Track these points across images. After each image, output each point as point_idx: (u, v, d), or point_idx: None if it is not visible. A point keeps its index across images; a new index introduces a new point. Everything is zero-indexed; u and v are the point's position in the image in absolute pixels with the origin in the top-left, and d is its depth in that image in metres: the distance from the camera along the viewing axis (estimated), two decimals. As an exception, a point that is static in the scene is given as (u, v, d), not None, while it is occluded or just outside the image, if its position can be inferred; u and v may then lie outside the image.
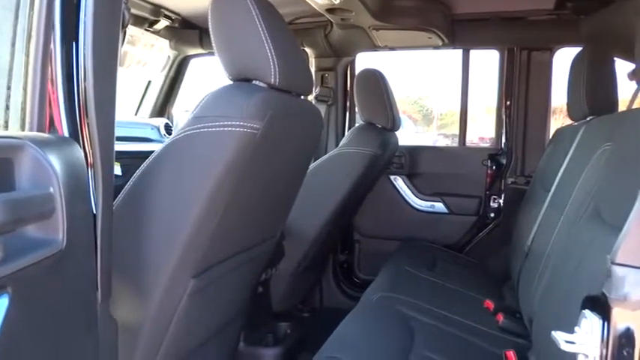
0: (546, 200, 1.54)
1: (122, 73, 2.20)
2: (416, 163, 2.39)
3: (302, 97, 1.27)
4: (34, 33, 0.66)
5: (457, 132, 2.42)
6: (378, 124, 2.00)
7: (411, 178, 2.39)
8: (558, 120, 2.53)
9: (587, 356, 0.64)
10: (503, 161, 2.31)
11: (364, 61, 2.47)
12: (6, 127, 0.67)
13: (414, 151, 2.40)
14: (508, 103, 2.28)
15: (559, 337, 0.67)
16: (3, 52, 0.67)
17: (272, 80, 1.06)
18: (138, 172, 1.02)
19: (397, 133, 2.18)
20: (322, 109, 2.38)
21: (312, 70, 2.40)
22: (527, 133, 2.26)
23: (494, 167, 2.32)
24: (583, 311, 0.66)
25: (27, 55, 0.67)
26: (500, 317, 1.43)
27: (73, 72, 0.74)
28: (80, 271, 0.68)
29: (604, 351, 0.62)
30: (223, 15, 1.07)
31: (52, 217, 0.57)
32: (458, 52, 2.32)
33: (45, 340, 0.61)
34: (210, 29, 1.09)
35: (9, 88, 0.67)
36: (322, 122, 1.38)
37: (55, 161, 0.60)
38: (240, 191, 1.04)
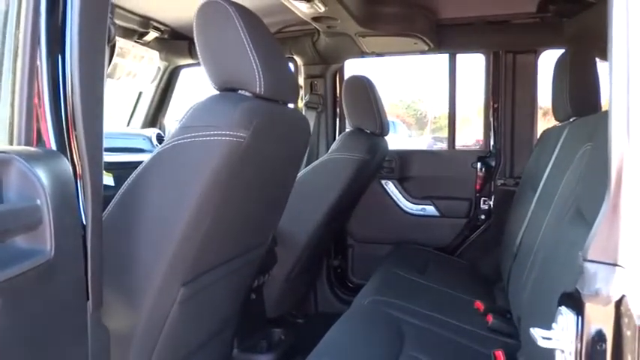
0: (533, 201, 1.57)
1: (113, 85, 2.23)
2: (406, 167, 2.41)
3: (289, 105, 1.29)
4: (20, 51, 0.68)
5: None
6: (366, 129, 2.03)
7: (401, 182, 2.41)
8: (551, 121, 2.57)
9: (563, 352, 0.66)
10: (493, 163, 2.33)
11: (355, 67, 2.50)
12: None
13: (405, 156, 2.43)
14: (495, 105, 2.31)
15: (536, 333, 0.69)
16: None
17: (257, 89, 1.08)
18: (127, 182, 1.03)
19: (390, 137, 2.21)
20: (312, 115, 2.41)
21: (302, 77, 2.42)
22: (515, 134, 2.29)
23: (483, 169, 2.34)
24: (559, 308, 0.68)
25: (14, 73, 0.69)
26: (490, 318, 1.45)
27: (60, 87, 0.76)
28: (70, 281, 0.70)
29: (578, 346, 0.64)
30: (207, 26, 1.09)
31: (40, 228, 0.59)
32: (446, 56, 2.36)
33: (35, 349, 0.63)
34: (196, 40, 1.12)
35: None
36: (309, 129, 1.40)
37: (41, 174, 0.62)
38: (228, 199, 1.06)
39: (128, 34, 2.16)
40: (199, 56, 1.12)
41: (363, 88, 2.00)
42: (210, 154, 0.99)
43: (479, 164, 2.34)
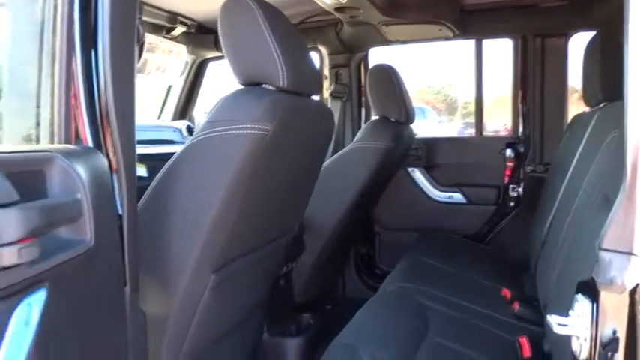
0: (562, 187, 1.56)
1: (143, 80, 2.30)
2: (433, 154, 2.41)
3: (312, 97, 1.32)
4: (57, 56, 0.73)
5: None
6: (391, 117, 2.03)
7: (428, 169, 2.41)
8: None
9: (578, 338, 0.67)
10: (522, 150, 2.31)
11: (382, 54, 2.49)
12: (37, 141, 0.74)
13: (431, 143, 2.43)
14: (524, 91, 2.28)
15: (553, 320, 0.70)
16: (32, 76, 0.74)
17: (280, 83, 1.11)
18: (159, 174, 1.09)
19: (419, 124, 2.21)
20: (338, 105, 2.43)
21: (327, 67, 2.44)
22: (544, 120, 2.26)
23: (512, 156, 2.32)
24: (576, 295, 0.70)
25: (52, 77, 0.74)
26: (516, 305, 1.46)
27: (94, 88, 0.81)
28: (109, 267, 0.75)
29: (593, 333, 0.65)
30: (231, 21, 1.13)
31: (81, 219, 0.64)
32: (472, 41, 2.33)
33: (79, 330, 0.68)
34: (220, 36, 1.15)
35: (38, 106, 0.74)
36: (333, 120, 1.42)
37: (81, 170, 0.67)
38: (254, 190, 1.10)
39: (157, 29, 2.22)
40: (223, 51, 1.16)
41: (387, 76, 2.00)
42: (236, 147, 1.03)
43: (508, 151, 2.31)
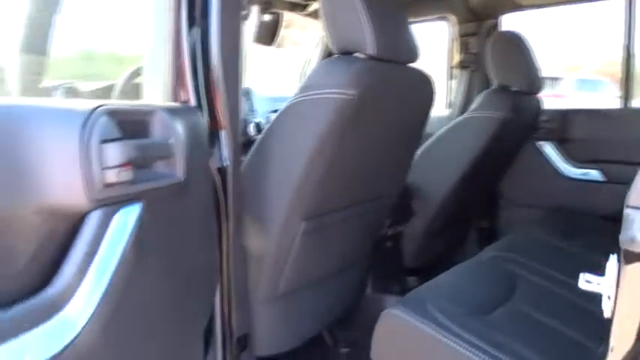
0: None
1: (281, 54, 2.55)
2: (569, 127, 2.23)
3: (410, 65, 1.37)
4: (171, 29, 0.94)
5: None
6: (512, 87, 1.95)
7: (561, 143, 2.24)
8: None
9: (602, 295, 0.67)
10: None
11: (526, 20, 2.34)
12: (150, 99, 0.97)
13: (568, 115, 2.24)
14: None
15: (583, 277, 0.70)
16: (158, 51, 0.96)
17: (370, 51, 1.19)
18: (262, 132, 1.27)
19: (588, 95, 2.06)
20: (465, 75, 2.38)
21: (454, 36, 2.40)
22: None
23: None
24: (611, 255, 0.69)
25: (165, 49, 0.95)
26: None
27: (199, 57, 1.00)
28: (198, 200, 0.95)
29: (617, 290, 0.64)
30: None
31: (172, 159, 0.84)
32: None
33: (170, 247, 0.89)
34: (320, 6, 1.28)
35: (153, 70, 0.96)
36: (433, 88, 1.45)
37: (177, 122, 0.86)
38: (341, 151, 1.22)
39: (293, 7, 2.43)
40: (323, 23, 1.28)
41: (511, 43, 1.91)
42: (323, 110, 1.16)
43: None
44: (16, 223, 0.63)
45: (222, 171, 1.08)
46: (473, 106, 1.95)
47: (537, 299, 1.26)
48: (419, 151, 1.97)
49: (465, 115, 1.94)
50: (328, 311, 1.56)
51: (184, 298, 0.94)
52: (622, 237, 0.63)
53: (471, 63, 2.37)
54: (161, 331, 0.87)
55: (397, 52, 1.28)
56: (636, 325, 0.61)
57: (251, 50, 2.38)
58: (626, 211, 0.63)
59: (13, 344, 0.59)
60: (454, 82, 2.49)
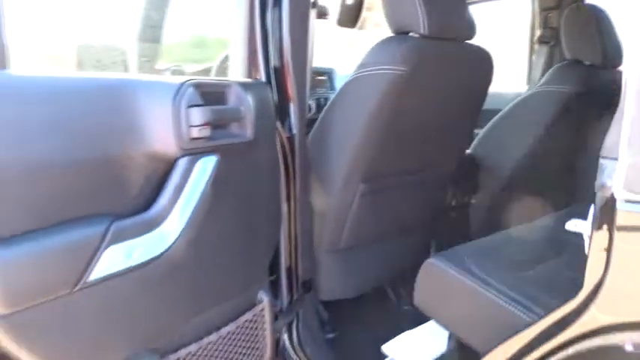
0: None
1: (362, 35, 2.70)
2: None
3: (466, 41, 1.47)
4: (247, 14, 1.16)
5: None
6: (585, 60, 1.92)
7: None
8: None
9: (585, 235, 0.78)
10: None
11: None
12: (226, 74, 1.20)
13: None
14: None
15: (570, 222, 0.81)
16: (237, 33, 1.20)
17: (422, 31, 1.33)
18: (327, 105, 1.47)
19: None
20: (544, 51, 2.36)
21: (535, 11, 2.38)
22: None
23: None
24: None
25: (241, 31, 1.18)
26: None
27: (270, 40, 1.21)
28: (266, 159, 1.18)
29: (592, 230, 0.75)
30: None
31: (242, 121, 1.06)
32: None
33: (241, 192, 1.12)
34: None
35: (235, 53, 1.20)
36: (490, 64, 1.54)
37: (247, 94, 1.08)
38: (395, 120, 1.37)
39: (373, -9, 2.56)
40: (383, 5, 1.43)
41: (586, 16, 1.89)
42: (377, 84, 1.32)
43: None
44: (130, 163, 0.89)
45: (290, 139, 1.29)
46: (542, 80, 1.96)
47: (581, 263, 1.32)
48: (487, 125, 2.04)
49: (533, 89, 1.96)
50: (387, 269, 1.72)
51: (250, 235, 1.17)
52: (596, 183, 0.73)
53: (550, 38, 2.34)
54: (231, 257, 1.11)
55: (451, 31, 1.40)
56: (604, 259, 0.72)
57: (335, 33, 2.57)
58: (601, 161, 0.73)
59: (127, 243, 0.85)
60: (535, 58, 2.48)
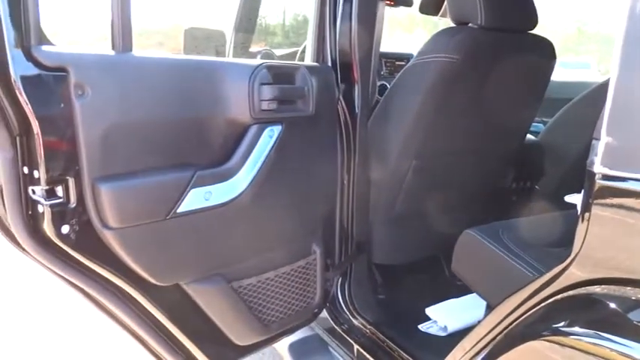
0: None
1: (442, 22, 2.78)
2: None
3: (526, 32, 1.55)
4: (319, 5, 1.37)
5: None
6: None
7: None
8: None
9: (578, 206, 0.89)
10: None
11: None
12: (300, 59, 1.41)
13: None
14: None
15: (570, 196, 0.93)
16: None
17: (479, 22, 1.44)
18: (389, 88, 1.63)
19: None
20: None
21: None
22: None
23: None
24: None
25: (313, 16, 1.38)
26: None
27: (337, 30, 1.41)
28: (324, 132, 1.38)
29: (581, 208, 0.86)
30: None
31: (305, 98, 1.27)
32: None
33: (302, 159, 1.33)
34: None
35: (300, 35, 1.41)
36: (553, 54, 1.60)
37: (312, 76, 1.29)
38: (448, 102, 1.50)
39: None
40: None
41: None
42: (431, 70, 1.46)
43: None
44: (215, 125, 1.14)
45: (353, 117, 1.48)
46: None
47: None
48: (557, 114, 2.08)
49: (603, 80, 1.95)
50: (439, 241, 1.85)
51: (307, 194, 1.38)
52: (588, 161, 0.84)
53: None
54: (289, 211, 1.33)
55: (510, 22, 1.49)
56: (586, 227, 0.84)
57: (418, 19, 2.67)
58: (592, 142, 0.84)
59: (206, 188, 1.11)
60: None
